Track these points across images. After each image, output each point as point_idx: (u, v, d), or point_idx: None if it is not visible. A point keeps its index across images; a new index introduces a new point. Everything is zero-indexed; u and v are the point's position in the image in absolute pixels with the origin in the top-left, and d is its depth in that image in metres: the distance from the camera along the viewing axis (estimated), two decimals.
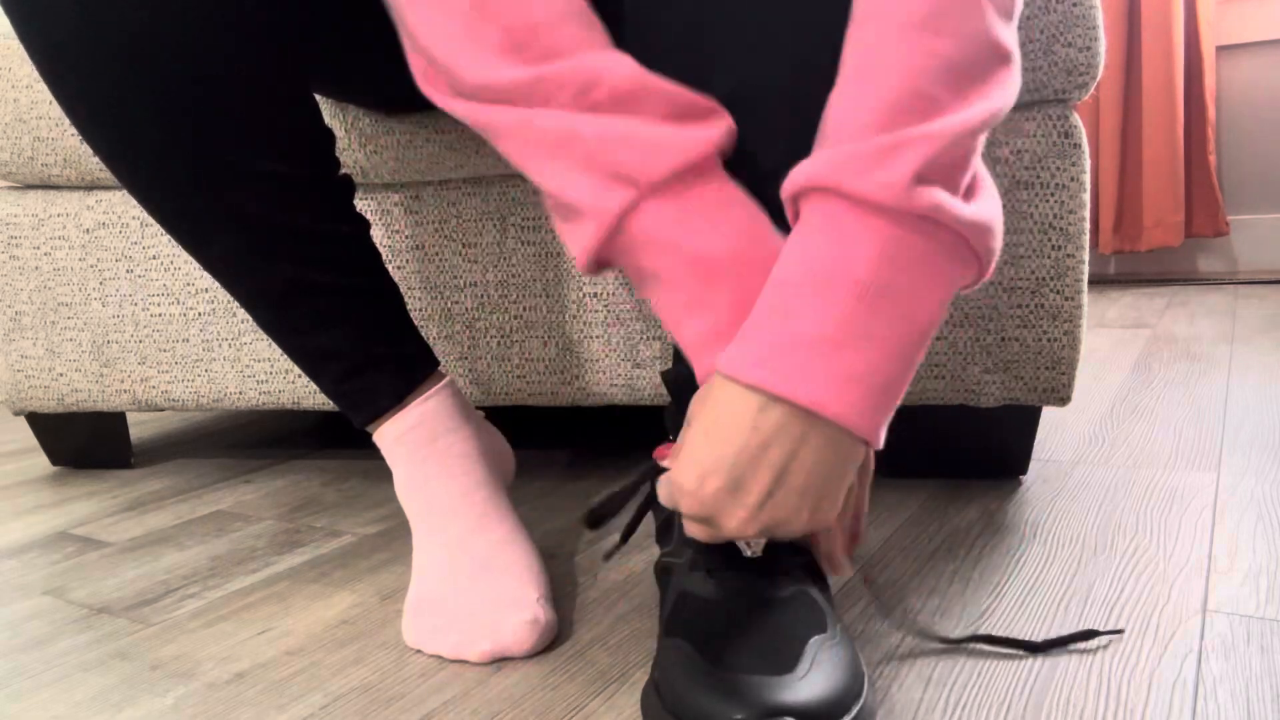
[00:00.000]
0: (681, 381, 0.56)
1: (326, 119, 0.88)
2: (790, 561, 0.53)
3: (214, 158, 0.61)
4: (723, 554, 0.52)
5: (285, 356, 0.97)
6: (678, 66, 0.52)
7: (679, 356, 0.59)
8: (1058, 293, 0.77)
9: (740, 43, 0.50)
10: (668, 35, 0.52)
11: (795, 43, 0.50)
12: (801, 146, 0.51)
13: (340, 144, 0.89)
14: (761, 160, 0.51)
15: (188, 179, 0.62)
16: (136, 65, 0.58)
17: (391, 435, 0.67)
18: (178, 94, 0.60)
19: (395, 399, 0.67)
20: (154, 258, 0.99)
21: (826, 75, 0.51)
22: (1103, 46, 0.74)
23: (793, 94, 0.50)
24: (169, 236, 0.95)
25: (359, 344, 0.67)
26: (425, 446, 0.67)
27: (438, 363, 0.71)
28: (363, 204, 0.93)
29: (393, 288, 0.70)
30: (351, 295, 0.67)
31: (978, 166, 0.46)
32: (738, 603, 0.50)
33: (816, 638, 0.48)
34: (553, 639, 0.59)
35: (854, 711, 0.44)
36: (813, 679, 0.44)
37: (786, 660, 0.46)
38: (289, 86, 0.65)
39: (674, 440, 0.58)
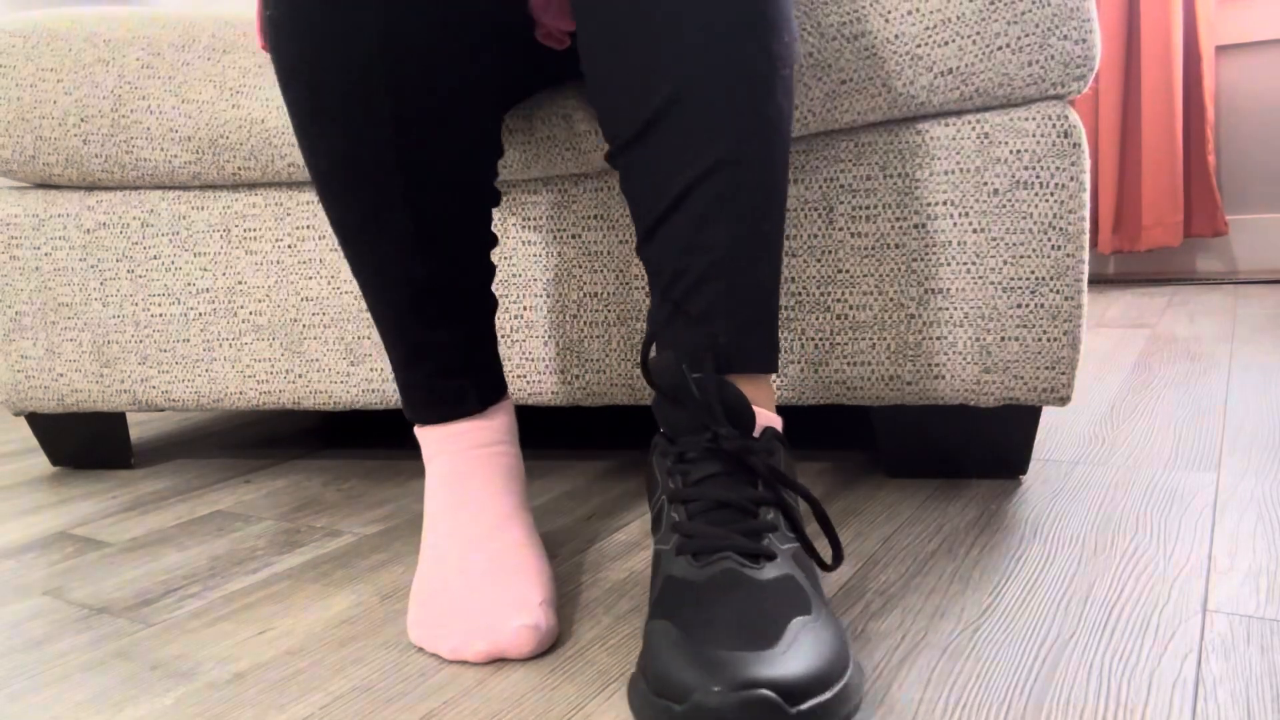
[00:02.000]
0: (669, 370, 0.56)
1: None
2: (778, 546, 0.53)
3: (436, 170, 0.65)
4: (707, 538, 0.53)
5: (286, 354, 0.97)
6: (622, 68, 0.58)
7: (664, 343, 0.59)
8: (1057, 293, 0.77)
9: (681, 46, 0.55)
10: (612, 40, 0.58)
11: (732, 46, 0.55)
12: (741, 141, 0.57)
13: None
14: (705, 154, 0.56)
15: (403, 189, 0.64)
16: (375, 74, 0.61)
17: (451, 431, 0.69)
18: (415, 105, 0.62)
19: (481, 405, 0.70)
20: (155, 258, 0.99)
21: (764, 75, 0.57)
22: (1098, 38, 0.74)
23: (731, 93, 0.56)
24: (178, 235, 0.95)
25: (465, 347, 0.69)
26: (480, 449, 0.69)
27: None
28: None
29: (495, 302, 0.73)
30: (475, 299, 0.70)
31: None
32: (721, 585, 0.50)
33: (800, 619, 0.48)
34: (552, 644, 0.59)
35: (835, 689, 0.44)
36: (793, 655, 0.45)
37: (767, 637, 0.46)
38: (500, 96, 0.71)
39: (664, 433, 0.59)
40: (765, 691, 0.42)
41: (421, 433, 0.71)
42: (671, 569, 0.53)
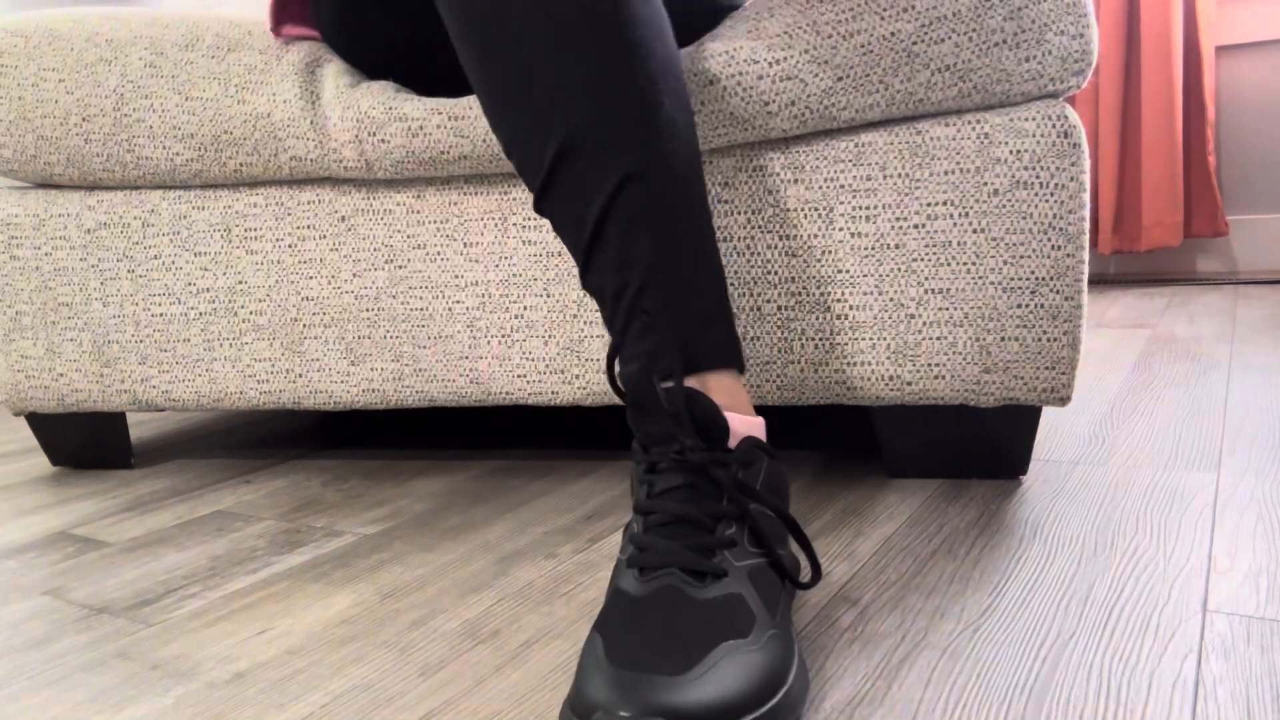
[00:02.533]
0: (637, 381, 0.56)
1: (339, 109, 0.88)
2: (731, 564, 0.53)
3: None
4: (655, 553, 0.53)
5: (287, 354, 0.97)
6: (515, 130, 0.61)
7: (626, 354, 0.60)
8: (1057, 293, 0.77)
9: (559, 97, 0.59)
10: (498, 105, 0.62)
11: (609, 82, 0.58)
12: (639, 158, 0.59)
13: (346, 135, 0.89)
14: (609, 178, 0.59)
15: None
16: None
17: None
18: None
19: None
20: (155, 258, 0.99)
21: (647, 97, 0.60)
22: (1095, 33, 0.74)
23: (619, 124, 0.59)
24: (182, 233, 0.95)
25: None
26: None
27: None
28: (365, 204, 0.93)
29: None
30: None
31: None
32: (657, 602, 0.50)
33: (730, 643, 0.47)
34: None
35: (744, 719, 0.44)
36: (704, 682, 0.44)
37: (684, 661, 0.45)
38: None
39: (639, 442, 0.58)
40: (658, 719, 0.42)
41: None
42: (620, 581, 0.53)
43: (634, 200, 0.59)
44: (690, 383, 0.59)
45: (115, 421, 1.10)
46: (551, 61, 0.58)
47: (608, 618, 0.51)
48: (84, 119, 0.95)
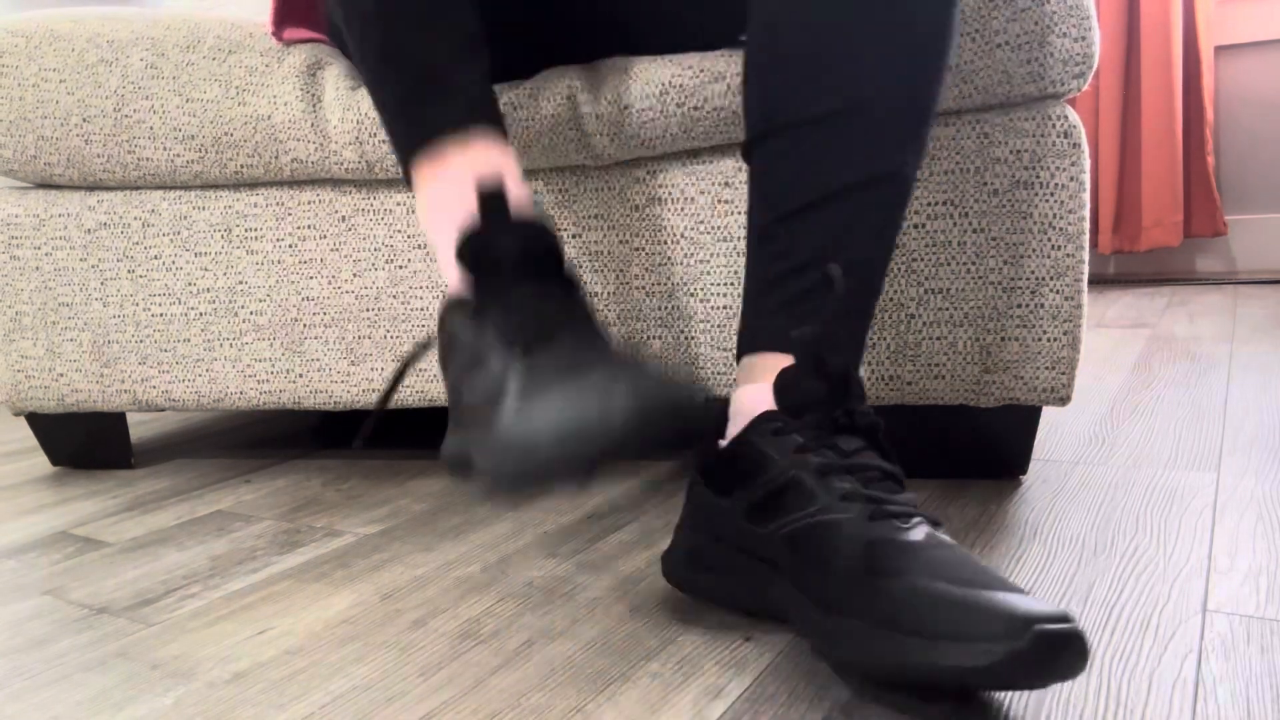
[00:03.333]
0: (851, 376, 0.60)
1: (340, 111, 0.88)
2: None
3: None
4: (903, 504, 0.55)
5: (287, 354, 0.97)
6: (797, 76, 0.60)
7: (838, 345, 0.63)
8: (1057, 293, 0.77)
9: (854, 57, 0.59)
10: (786, 46, 0.61)
11: (913, 66, 0.59)
12: (902, 160, 0.60)
13: (347, 137, 0.89)
14: (869, 164, 0.59)
15: None
16: None
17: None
18: None
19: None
20: (155, 258, 0.99)
21: (931, 98, 0.60)
22: (1097, 36, 0.74)
23: (902, 114, 0.59)
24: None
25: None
26: None
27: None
28: (365, 203, 0.93)
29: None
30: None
31: None
32: (938, 545, 0.51)
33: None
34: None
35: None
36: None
37: (1015, 586, 0.48)
38: None
39: (780, 411, 0.61)
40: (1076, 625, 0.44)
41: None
42: (881, 532, 0.52)
43: (881, 195, 0.61)
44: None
45: (115, 421, 1.10)
46: (871, 16, 0.59)
47: (919, 563, 0.50)
48: (84, 120, 0.95)
